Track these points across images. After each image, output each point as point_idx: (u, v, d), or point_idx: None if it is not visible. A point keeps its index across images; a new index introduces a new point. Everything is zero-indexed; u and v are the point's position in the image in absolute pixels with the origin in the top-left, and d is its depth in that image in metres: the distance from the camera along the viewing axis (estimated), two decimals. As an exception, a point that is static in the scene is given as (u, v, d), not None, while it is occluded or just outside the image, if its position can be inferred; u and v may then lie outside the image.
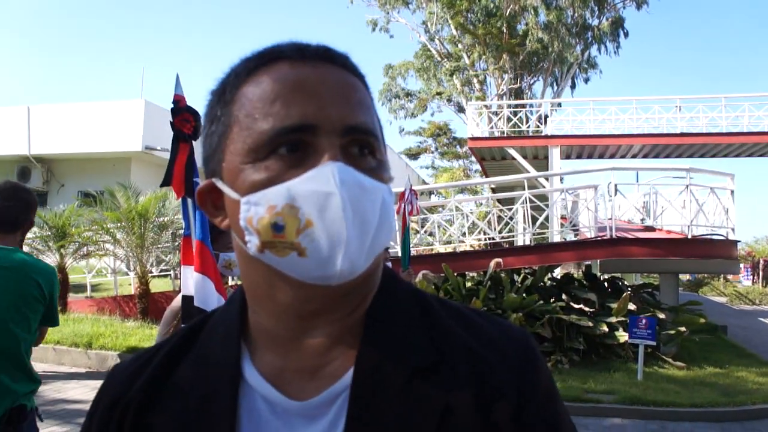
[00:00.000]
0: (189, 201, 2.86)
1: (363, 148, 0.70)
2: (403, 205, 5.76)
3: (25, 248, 9.61)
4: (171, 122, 2.75)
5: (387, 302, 0.76)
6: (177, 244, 11.48)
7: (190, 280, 2.75)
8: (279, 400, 0.72)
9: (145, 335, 9.37)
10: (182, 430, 0.73)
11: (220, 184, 0.72)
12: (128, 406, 0.76)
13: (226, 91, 0.73)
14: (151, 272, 11.98)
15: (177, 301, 2.94)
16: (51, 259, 12.23)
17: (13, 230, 2.76)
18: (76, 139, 19.47)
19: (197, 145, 2.94)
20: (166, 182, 2.87)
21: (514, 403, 0.72)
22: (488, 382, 0.72)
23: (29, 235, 11.08)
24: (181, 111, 2.78)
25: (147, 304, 11.10)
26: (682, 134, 17.44)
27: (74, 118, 19.69)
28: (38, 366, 8.51)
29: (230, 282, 3.23)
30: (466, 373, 0.72)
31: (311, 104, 0.67)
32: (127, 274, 13.33)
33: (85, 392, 7.29)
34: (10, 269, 2.63)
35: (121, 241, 11.56)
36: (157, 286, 12.14)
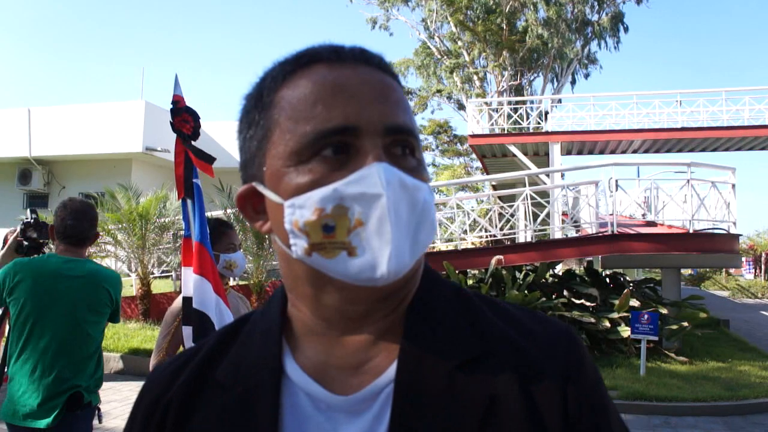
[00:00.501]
0: (189, 202, 2.85)
1: (404, 148, 0.70)
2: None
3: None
4: (171, 122, 2.75)
5: (428, 297, 0.76)
6: (178, 245, 11.47)
7: (191, 282, 2.75)
8: (322, 395, 0.72)
9: (147, 336, 9.37)
10: (225, 427, 0.73)
11: (261, 188, 0.73)
12: (169, 406, 0.77)
13: (263, 95, 0.73)
14: (152, 273, 11.98)
15: (177, 303, 2.94)
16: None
17: (83, 244, 3.14)
18: (77, 141, 19.46)
19: (199, 145, 2.94)
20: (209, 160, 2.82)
21: (560, 392, 0.71)
22: (533, 374, 0.72)
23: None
24: (180, 111, 2.78)
25: (149, 306, 11.11)
26: (683, 129, 17.41)
27: (74, 120, 19.68)
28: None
29: (231, 282, 3.24)
30: (510, 365, 0.72)
31: (352, 105, 0.68)
32: (129, 275, 13.33)
33: (89, 394, 7.29)
34: (84, 278, 3.03)
35: (122, 243, 11.56)
36: (158, 287, 12.14)
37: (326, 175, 0.67)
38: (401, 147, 0.70)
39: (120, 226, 11.29)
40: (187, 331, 2.77)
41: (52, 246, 3.43)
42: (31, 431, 2.81)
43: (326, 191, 0.66)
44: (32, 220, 3.45)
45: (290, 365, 0.75)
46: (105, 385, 7.77)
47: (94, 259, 12.97)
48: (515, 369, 0.71)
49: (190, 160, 2.85)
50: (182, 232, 2.95)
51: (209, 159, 2.79)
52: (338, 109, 0.67)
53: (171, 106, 2.75)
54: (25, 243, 3.39)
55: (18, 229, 3.43)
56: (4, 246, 3.46)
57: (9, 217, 15.32)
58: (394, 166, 0.67)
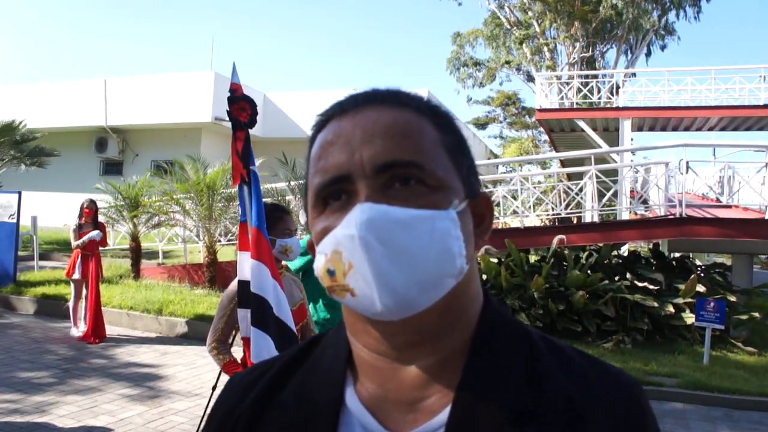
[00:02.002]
0: (245, 188, 2.93)
1: (407, 180, 0.71)
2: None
3: (101, 218, 9.99)
4: (227, 111, 2.82)
5: (490, 339, 0.76)
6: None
7: (246, 266, 2.84)
8: (377, 430, 0.74)
9: (213, 303, 9.70)
10: None
11: (312, 238, 0.78)
12: (240, 419, 0.82)
13: (306, 156, 0.80)
14: (219, 241, 12.33)
15: (233, 286, 3.04)
16: (125, 228, 12.77)
17: None
18: (149, 110, 20.11)
19: (254, 132, 3.01)
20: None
21: None
22: None
23: (104, 204, 11.60)
24: (237, 100, 2.85)
25: (215, 273, 11.46)
26: (766, 106, 16.52)
27: (147, 90, 20.31)
28: (113, 329, 8.97)
29: (284, 263, 3.33)
30: (562, 423, 0.71)
31: (344, 153, 0.72)
32: (196, 243, 13.76)
33: (156, 357, 7.66)
34: None
35: (190, 212, 11.92)
36: (225, 254, 12.49)
37: (333, 222, 0.71)
38: (403, 180, 0.71)
39: (188, 195, 11.64)
40: (242, 314, 2.88)
41: None
42: None
43: (329, 237, 0.70)
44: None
45: (350, 395, 0.77)
46: (171, 348, 8.18)
47: (163, 228, 13.52)
48: (567, 427, 0.71)
49: (248, 147, 2.93)
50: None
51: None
52: (333, 160, 0.72)
53: (228, 94, 2.82)
54: None
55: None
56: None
57: (88, 183, 16.03)
58: (387, 203, 0.68)
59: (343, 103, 0.77)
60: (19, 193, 11.12)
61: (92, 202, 8.72)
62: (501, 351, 0.76)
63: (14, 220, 10.96)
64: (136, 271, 12.07)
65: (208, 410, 0.93)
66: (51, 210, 19.86)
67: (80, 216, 8.60)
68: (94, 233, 8.49)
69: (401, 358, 0.75)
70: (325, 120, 0.78)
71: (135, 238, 12.11)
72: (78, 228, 8.51)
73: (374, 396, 0.76)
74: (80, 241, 8.42)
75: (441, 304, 0.70)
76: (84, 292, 8.66)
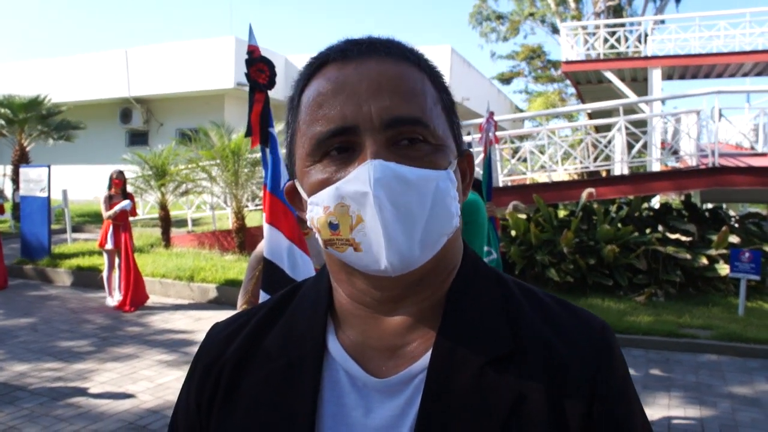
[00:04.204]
0: (267, 150, 2.90)
1: (414, 138, 0.71)
2: (483, 135, 5.64)
3: (129, 188, 10.07)
4: (246, 73, 2.78)
5: (467, 287, 0.79)
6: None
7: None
8: (359, 375, 0.76)
9: (243, 268, 9.79)
10: (270, 393, 0.79)
11: (297, 185, 0.79)
12: (223, 368, 0.83)
13: (294, 98, 0.79)
14: (246, 206, 12.39)
15: (260, 247, 3.04)
16: (153, 197, 12.90)
17: None
18: (172, 79, 20.10)
19: (272, 94, 2.97)
20: (249, 132, 2.94)
21: (585, 398, 0.73)
22: (561, 375, 0.73)
23: (131, 175, 11.71)
24: (255, 61, 2.80)
25: (244, 238, 11.56)
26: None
27: (169, 59, 20.27)
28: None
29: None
30: (539, 365, 0.73)
31: (351, 104, 0.70)
32: (224, 209, 13.84)
33: (189, 323, 7.79)
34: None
35: (216, 178, 11.98)
36: (254, 219, 12.57)
37: (334, 174, 0.71)
38: (407, 138, 0.71)
39: (214, 162, 11.67)
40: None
41: None
42: None
43: (331, 190, 0.70)
44: None
45: (332, 342, 0.79)
46: (205, 314, 8.29)
47: (191, 196, 13.63)
48: (544, 369, 0.73)
49: (268, 109, 2.89)
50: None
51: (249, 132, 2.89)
52: (338, 110, 0.71)
53: (246, 56, 2.78)
54: None
55: None
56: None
57: (115, 155, 16.20)
58: (395, 161, 0.68)
59: (345, 50, 0.74)
60: (49, 167, 11.26)
61: (121, 173, 8.81)
62: (477, 297, 0.78)
63: (45, 194, 11.13)
64: (167, 240, 12.24)
65: None
66: (80, 183, 20.16)
67: (110, 187, 8.70)
68: (125, 203, 8.60)
69: (383, 309, 0.77)
70: (321, 64, 0.76)
71: (164, 207, 12.25)
72: (108, 199, 8.62)
73: (356, 343, 0.78)
74: (111, 211, 8.53)
75: (433, 260, 0.72)
76: (117, 261, 8.81)
